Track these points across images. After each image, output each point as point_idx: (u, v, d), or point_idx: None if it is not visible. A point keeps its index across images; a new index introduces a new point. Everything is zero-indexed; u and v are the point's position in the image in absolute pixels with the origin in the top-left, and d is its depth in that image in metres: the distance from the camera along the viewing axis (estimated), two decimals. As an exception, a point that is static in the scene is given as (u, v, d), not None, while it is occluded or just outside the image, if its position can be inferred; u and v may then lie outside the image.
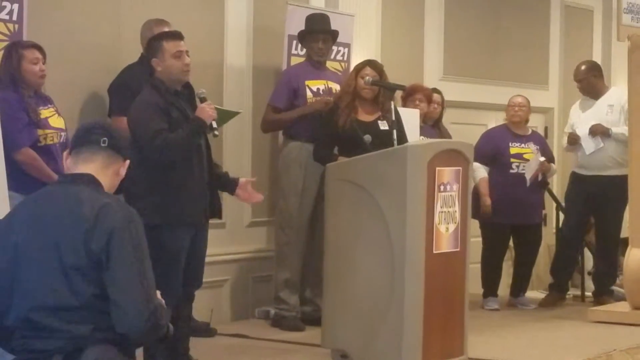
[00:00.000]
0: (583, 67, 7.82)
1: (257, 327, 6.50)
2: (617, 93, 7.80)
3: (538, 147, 7.49)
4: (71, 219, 3.28)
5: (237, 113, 6.21)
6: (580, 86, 7.75)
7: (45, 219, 3.32)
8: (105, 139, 3.41)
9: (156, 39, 4.99)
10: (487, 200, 7.29)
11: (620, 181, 7.25)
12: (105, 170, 3.42)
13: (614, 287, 7.79)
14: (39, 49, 5.18)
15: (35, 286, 3.26)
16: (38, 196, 3.46)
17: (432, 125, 7.31)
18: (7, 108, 4.99)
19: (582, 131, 7.54)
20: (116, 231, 3.26)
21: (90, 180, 3.38)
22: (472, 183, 5.76)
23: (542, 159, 7.37)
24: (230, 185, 5.10)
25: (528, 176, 7.32)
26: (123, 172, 3.51)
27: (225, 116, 5.98)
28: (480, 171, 7.28)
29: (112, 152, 3.43)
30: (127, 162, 3.51)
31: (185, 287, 4.91)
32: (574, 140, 7.57)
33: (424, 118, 7.10)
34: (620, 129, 7.46)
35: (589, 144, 7.52)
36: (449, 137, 7.39)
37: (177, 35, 4.95)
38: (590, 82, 7.72)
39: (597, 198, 7.56)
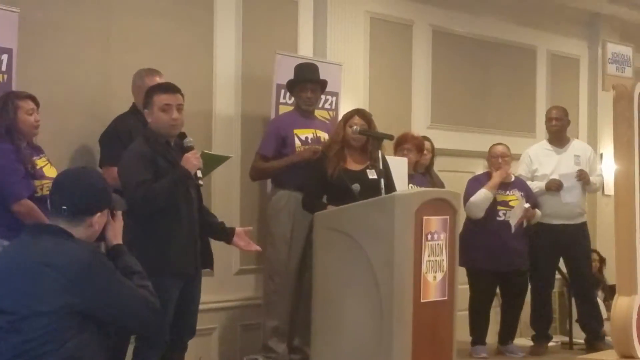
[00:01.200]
0: (562, 108, 7.97)
1: (245, 376, 6.49)
2: (581, 145, 8.07)
3: (522, 193, 7.53)
4: (35, 268, 3.40)
5: (227, 157, 6.23)
6: (557, 125, 7.82)
7: (12, 269, 3.45)
8: (64, 207, 3.52)
9: (150, 90, 5.02)
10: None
11: (583, 227, 7.81)
12: (73, 228, 3.52)
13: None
14: (33, 99, 5.22)
15: None
16: (8, 247, 3.60)
17: (423, 173, 7.35)
18: (4, 160, 5.04)
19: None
20: (89, 268, 3.42)
21: (52, 230, 3.46)
22: (458, 232, 5.78)
23: (527, 205, 7.41)
24: (226, 234, 5.11)
25: (513, 222, 7.35)
26: (97, 222, 3.61)
27: (215, 161, 6.00)
28: (486, 195, 7.33)
29: (74, 217, 3.53)
30: (101, 213, 3.58)
31: (178, 336, 4.90)
32: (558, 187, 7.63)
33: (415, 166, 7.14)
34: (594, 178, 7.73)
35: (571, 195, 7.62)
36: (441, 184, 7.43)
37: (169, 89, 4.96)
38: (565, 125, 7.86)
39: (565, 247, 7.70)
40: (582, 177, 7.63)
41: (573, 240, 7.69)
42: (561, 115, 7.91)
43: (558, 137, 7.88)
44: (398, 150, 7.12)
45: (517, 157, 8.11)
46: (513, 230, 7.35)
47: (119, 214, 3.76)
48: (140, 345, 4.79)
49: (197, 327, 5.26)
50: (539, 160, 7.84)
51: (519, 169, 7.92)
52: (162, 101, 4.86)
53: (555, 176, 7.67)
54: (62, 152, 5.80)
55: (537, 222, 7.75)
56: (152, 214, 4.76)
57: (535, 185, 7.73)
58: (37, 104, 5.24)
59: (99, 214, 3.60)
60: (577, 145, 7.96)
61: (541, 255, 7.73)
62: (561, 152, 7.82)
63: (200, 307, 5.41)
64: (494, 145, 7.70)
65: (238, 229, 5.14)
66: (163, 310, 4.67)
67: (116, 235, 3.74)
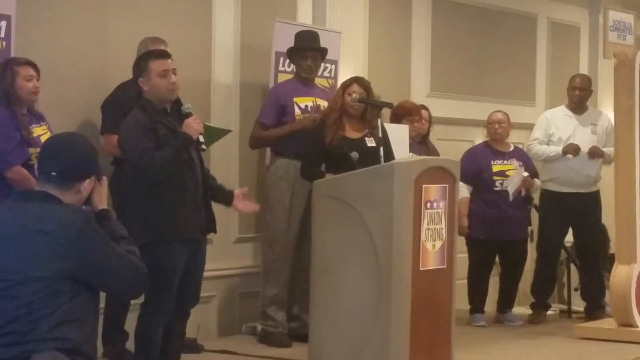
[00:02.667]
0: (586, 77, 7.91)
1: (244, 343, 6.51)
2: (599, 114, 7.94)
3: (520, 162, 7.51)
4: (26, 235, 3.41)
5: (228, 131, 6.22)
6: (580, 95, 7.73)
7: (2, 236, 3.47)
8: (54, 173, 3.53)
9: (142, 58, 4.99)
10: (465, 222, 7.29)
11: (596, 197, 7.70)
12: (61, 194, 3.53)
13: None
14: (33, 66, 5.19)
15: None
16: None
17: (420, 142, 7.33)
18: (0, 126, 5.01)
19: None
20: (80, 233, 3.44)
21: (42, 195, 3.47)
22: (458, 200, 5.77)
23: (525, 174, 7.39)
24: (227, 197, 5.10)
25: (511, 191, 7.34)
26: (85, 189, 3.64)
27: (215, 134, 5.99)
28: (463, 192, 7.25)
29: (63, 183, 3.52)
30: (90, 179, 3.58)
31: (181, 304, 4.91)
32: (577, 152, 7.56)
33: (411, 135, 7.12)
34: (608, 150, 7.59)
35: (581, 163, 7.55)
36: (437, 153, 7.41)
37: (163, 54, 4.96)
38: (588, 94, 7.81)
39: (576, 215, 7.64)
40: (595, 155, 7.57)
41: (584, 209, 7.63)
42: (585, 85, 7.83)
43: (579, 106, 7.80)
44: (405, 121, 7.09)
45: (516, 126, 8.09)
46: (511, 198, 7.34)
47: (104, 179, 3.76)
48: (144, 312, 4.79)
49: (196, 295, 5.26)
50: (556, 125, 7.77)
51: (534, 132, 7.86)
52: (159, 67, 4.84)
53: (572, 141, 7.59)
54: (62, 121, 5.76)
55: (547, 190, 7.74)
56: (157, 182, 4.74)
57: (552, 149, 7.68)
58: (37, 70, 5.20)
59: (87, 180, 3.61)
60: (596, 115, 7.88)
61: (550, 223, 7.72)
62: (580, 119, 7.75)
63: (200, 275, 5.42)
64: (493, 112, 7.69)
65: (236, 191, 5.13)
66: (169, 278, 4.71)
67: (101, 200, 3.74)
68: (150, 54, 5.01)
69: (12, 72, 5.11)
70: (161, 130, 4.80)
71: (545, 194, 7.81)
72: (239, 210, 5.19)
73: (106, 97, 5.86)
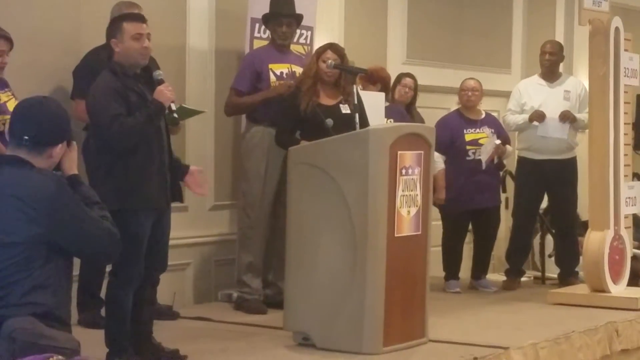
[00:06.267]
0: (557, 42, 7.94)
1: (220, 310, 6.51)
2: (573, 80, 7.96)
3: (493, 130, 7.53)
4: (3, 201, 3.43)
5: (201, 112, 6.18)
6: (550, 60, 7.75)
7: None
8: (26, 137, 3.50)
9: (117, 19, 4.93)
10: (442, 193, 7.30)
11: (571, 163, 7.73)
12: (33, 159, 3.51)
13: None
14: (6, 39, 5.12)
15: None
16: None
17: (407, 109, 7.37)
18: None
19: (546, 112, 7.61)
20: (54, 198, 3.45)
21: (14, 160, 3.45)
22: (433, 167, 5.77)
23: (498, 141, 7.41)
24: (180, 171, 5.05)
25: (484, 159, 7.36)
26: (57, 154, 3.63)
27: (187, 113, 5.96)
28: (438, 162, 7.25)
29: (35, 147, 3.51)
30: (62, 144, 3.56)
31: (150, 271, 4.89)
32: (541, 118, 7.58)
33: (393, 102, 7.15)
34: (581, 115, 7.60)
35: (548, 129, 7.59)
36: (422, 122, 7.39)
37: (138, 18, 4.90)
38: (559, 60, 7.83)
39: (551, 181, 7.68)
40: (566, 118, 7.59)
41: (558, 175, 7.66)
42: (555, 50, 7.85)
43: (550, 71, 7.81)
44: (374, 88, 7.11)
45: (491, 93, 8.10)
46: (484, 167, 7.36)
47: (74, 144, 3.74)
48: (113, 279, 4.79)
49: (172, 263, 5.26)
50: (528, 94, 7.79)
51: (509, 104, 7.90)
52: (134, 30, 4.78)
53: (543, 109, 7.61)
54: (34, 86, 5.69)
55: (522, 157, 7.76)
56: (126, 149, 4.71)
57: (521, 118, 7.70)
58: (10, 44, 5.14)
59: (60, 145, 3.58)
60: (569, 81, 7.89)
61: (524, 190, 7.75)
62: (552, 87, 7.78)
63: (175, 242, 5.41)
64: (466, 79, 7.68)
65: (192, 167, 5.08)
66: (137, 245, 4.70)
67: (72, 165, 3.72)
68: (126, 16, 4.95)
69: None
70: (132, 96, 4.75)
71: (521, 161, 7.84)
72: (190, 188, 5.11)
73: (78, 63, 5.80)
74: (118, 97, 4.70)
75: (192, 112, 6.07)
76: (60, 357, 3.17)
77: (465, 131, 7.47)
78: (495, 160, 7.47)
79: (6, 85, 5.24)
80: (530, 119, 7.63)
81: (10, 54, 5.23)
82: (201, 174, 5.13)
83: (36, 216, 3.40)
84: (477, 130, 7.51)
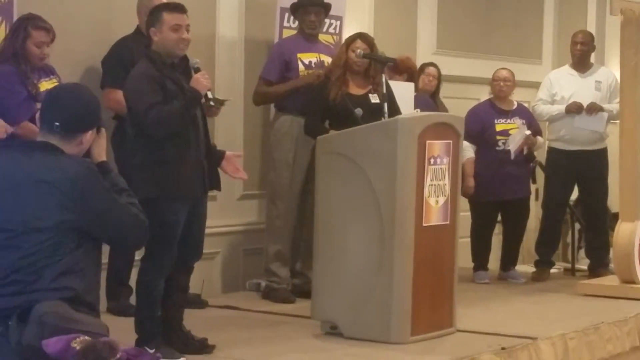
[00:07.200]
0: (588, 32, 7.88)
1: (248, 299, 6.53)
2: (604, 71, 7.90)
3: (524, 120, 7.49)
4: (30, 185, 3.43)
5: (227, 100, 6.17)
6: (582, 50, 7.69)
7: (5, 186, 3.49)
8: (57, 123, 3.53)
9: (158, 9, 4.93)
10: (471, 182, 7.28)
11: (602, 154, 7.64)
12: (63, 145, 3.54)
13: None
14: (48, 30, 5.15)
15: None
16: None
17: (432, 97, 7.36)
18: (5, 82, 5.01)
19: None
20: (84, 183, 3.47)
21: (45, 146, 3.47)
22: (462, 156, 5.76)
23: (528, 132, 7.37)
24: (217, 157, 5.08)
25: (512, 149, 7.32)
26: (87, 140, 3.65)
27: (219, 102, 5.94)
28: (468, 151, 7.23)
29: (66, 134, 3.53)
30: (92, 131, 3.58)
31: (184, 258, 4.92)
32: (580, 110, 7.52)
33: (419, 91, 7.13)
34: (610, 106, 7.55)
35: (586, 120, 7.53)
36: (446, 111, 7.39)
37: (179, 8, 4.88)
38: (590, 50, 7.77)
39: (581, 172, 7.63)
40: (593, 110, 7.53)
41: (589, 166, 7.60)
42: (587, 39, 7.79)
43: (582, 62, 7.75)
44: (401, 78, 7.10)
45: (522, 84, 8.05)
46: (512, 157, 7.32)
47: (103, 131, 3.76)
48: (145, 266, 4.81)
49: (200, 251, 5.27)
50: (559, 84, 7.74)
51: (539, 93, 7.85)
52: (173, 20, 4.78)
53: (574, 100, 7.56)
54: (66, 75, 5.74)
55: (553, 148, 7.72)
56: (164, 137, 4.72)
57: (555, 109, 7.66)
58: (52, 35, 5.17)
59: (90, 132, 3.61)
60: (600, 71, 7.82)
61: (555, 181, 7.71)
62: (583, 77, 7.72)
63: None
64: (498, 69, 7.64)
65: (228, 153, 5.09)
66: (171, 232, 4.73)
67: (101, 152, 3.74)
68: (166, 5, 4.94)
69: (25, 33, 5.09)
70: (169, 84, 4.76)
71: (551, 152, 7.80)
72: (227, 173, 5.11)
73: (107, 52, 5.83)
74: (155, 85, 4.72)
75: (222, 101, 6.07)
76: (86, 337, 3.20)
77: (496, 121, 7.44)
78: (525, 151, 7.43)
79: (52, 73, 5.27)
80: (568, 110, 7.57)
81: (51, 46, 5.25)
82: (238, 159, 5.14)
83: (66, 201, 3.43)
84: (508, 121, 7.48)
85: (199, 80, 4.83)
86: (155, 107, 4.67)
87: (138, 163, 4.76)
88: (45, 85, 5.16)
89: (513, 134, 7.35)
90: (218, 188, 5.14)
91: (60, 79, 5.27)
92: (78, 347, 3.16)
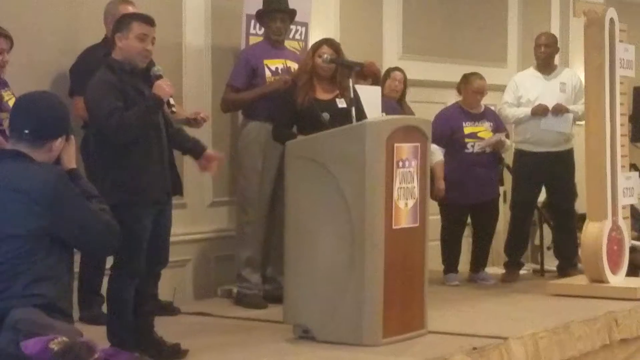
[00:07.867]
0: (551, 35, 7.95)
1: (220, 306, 6.54)
2: (568, 72, 7.98)
3: (491, 123, 7.55)
4: (1, 193, 3.46)
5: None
6: (546, 52, 7.76)
7: None
8: (27, 130, 3.54)
9: (128, 16, 4.95)
10: (442, 184, 7.32)
11: (569, 155, 7.74)
12: (33, 152, 3.54)
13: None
14: (6, 37, 5.13)
15: None
16: None
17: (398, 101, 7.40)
18: None
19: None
20: (55, 190, 3.48)
21: (14, 154, 3.48)
22: (429, 159, 5.79)
23: (504, 138, 7.45)
24: (198, 151, 5.09)
25: (482, 145, 7.37)
26: (56, 147, 3.66)
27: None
28: (437, 154, 7.28)
29: (35, 141, 3.54)
30: (62, 138, 3.59)
31: (151, 266, 4.92)
32: (545, 112, 7.59)
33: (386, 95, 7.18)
34: (576, 107, 7.63)
35: (552, 122, 7.60)
36: (412, 115, 7.43)
37: (149, 21, 4.88)
38: (554, 52, 7.84)
39: (549, 174, 7.69)
40: (559, 111, 7.60)
41: (556, 167, 7.66)
42: (550, 42, 7.86)
43: (546, 63, 7.82)
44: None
45: (488, 88, 8.09)
46: (476, 150, 7.35)
47: (72, 138, 3.77)
48: (114, 273, 4.81)
49: (172, 259, 5.27)
50: (524, 87, 7.80)
51: (505, 96, 7.90)
52: (141, 30, 4.79)
53: (540, 102, 7.63)
54: (30, 86, 5.69)
55: (519, 150, 7.78)
56: (125, 143, 4.73)
57: (521, 111, 7.71)
58: (9, 42, 5.15)
59: (59, 139, 3.61)
60: (565, 73, 7.90)
61: (522, 182, 7.76)
62: (547, 79, 7.79)
63: (174, 239, 5.42)
64: (475, 78, 7.59)
65: (209, 151, 5.13)
66: (138, 239, 4.72)
67: (70, 159, 3.75)
68: (138, 16, 4.95)
69: None
70: (130, 91, 4.77)
71: (518, 154, 7.86)
72: (200, 167, 5.13)
73: (75, 60, 5.82)
74: (116, 91, 4.72)
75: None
76: (64, 338, 3.21)
77: (464, 124, 7.49)
78: (487, 150, 7.47)
79: (6, 85, 5.25)
80: (534, 113, 7.63)
81: (10, 53, 5.24)
82: (217, 160, 5.16)
83: (37, 209, 3.43)
84: (477, 124, 7.53)
85: (161, 87, 4.84)
86: (116, 113, 4.67)
87: (102, 169, 4.77)
88: (5, 96, 5.13)
89: (489, 138, 7.42)
90: (180, 193, 5.16)
91: (13, 91, 5.23)
92: (56, 348, 3.17)
